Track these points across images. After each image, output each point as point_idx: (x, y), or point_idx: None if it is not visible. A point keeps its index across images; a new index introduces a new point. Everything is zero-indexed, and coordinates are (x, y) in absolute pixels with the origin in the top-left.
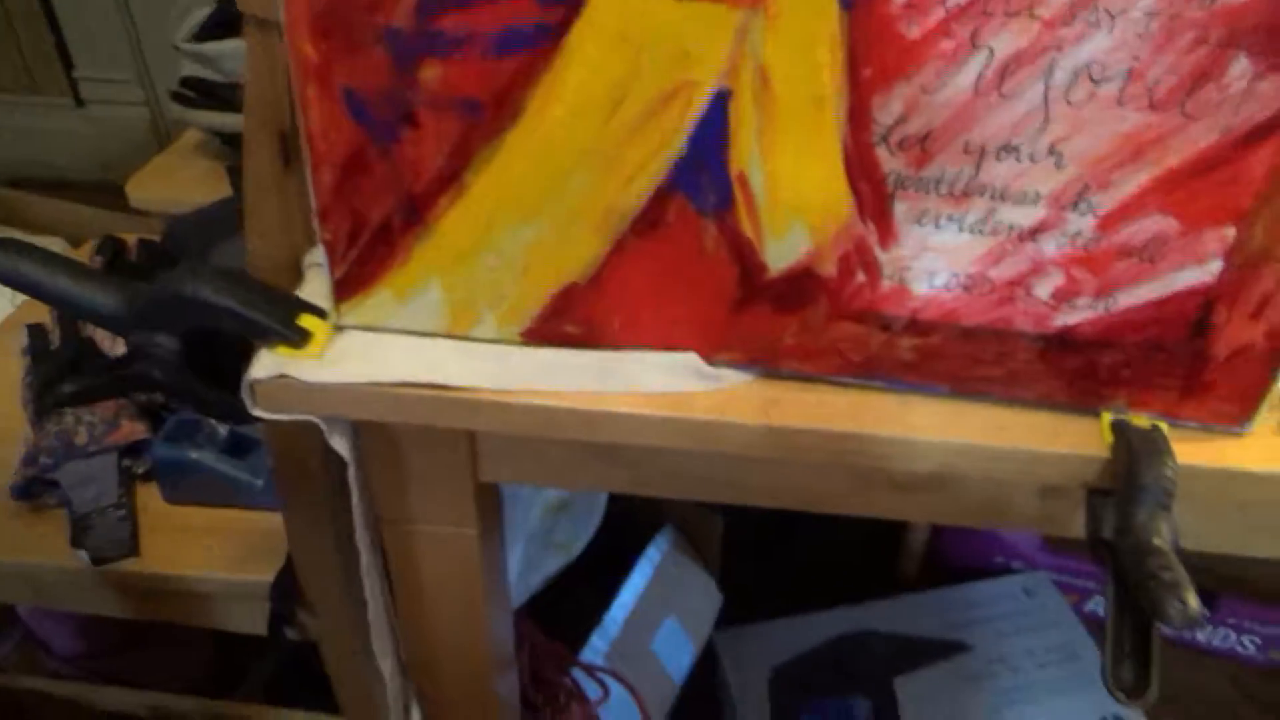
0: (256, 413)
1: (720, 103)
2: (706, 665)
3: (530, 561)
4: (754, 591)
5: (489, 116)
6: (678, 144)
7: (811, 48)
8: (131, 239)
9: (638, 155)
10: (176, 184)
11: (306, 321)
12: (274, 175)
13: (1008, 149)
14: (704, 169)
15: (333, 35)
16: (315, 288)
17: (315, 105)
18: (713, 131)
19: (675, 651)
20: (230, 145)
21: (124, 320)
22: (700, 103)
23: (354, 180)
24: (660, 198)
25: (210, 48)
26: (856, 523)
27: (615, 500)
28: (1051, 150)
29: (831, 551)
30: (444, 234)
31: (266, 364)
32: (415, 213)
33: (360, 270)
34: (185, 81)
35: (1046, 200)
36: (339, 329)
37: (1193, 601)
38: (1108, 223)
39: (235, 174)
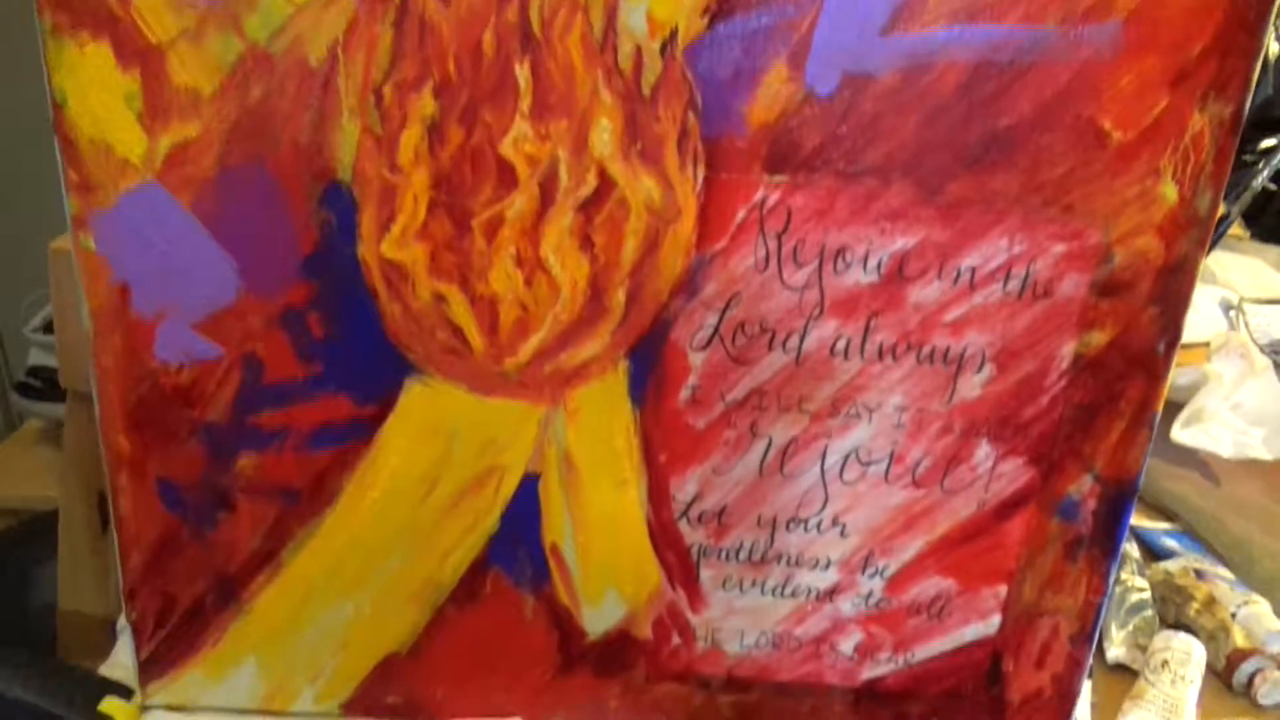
0: None
1: (530, 484)
2: None
3: None
4: None
5: (306, 501)
6: (492, 521)
7: (610, 438)
8: None
9: (453, 532)
10: (12, 478)
11: (109, 707)
12: (91, 539)
13: (796, 521)
14: (519, 543)
15: (147, 429)
16: (127, 655)
17: (127, 493)
18: (525, 510)
19: None
20: None
21: None
22: (511, 485)
23: (165, 563)
24: (477, 571)
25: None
26: None
27: None
28: (835, 521)
29: None
30: (260, 612)
31: None
32: (230, 593)
33: (169, 651)
34: (33, 371)
35: (838, 565)
36: (145, 709)
37: None
38: (895, 585)
39: None
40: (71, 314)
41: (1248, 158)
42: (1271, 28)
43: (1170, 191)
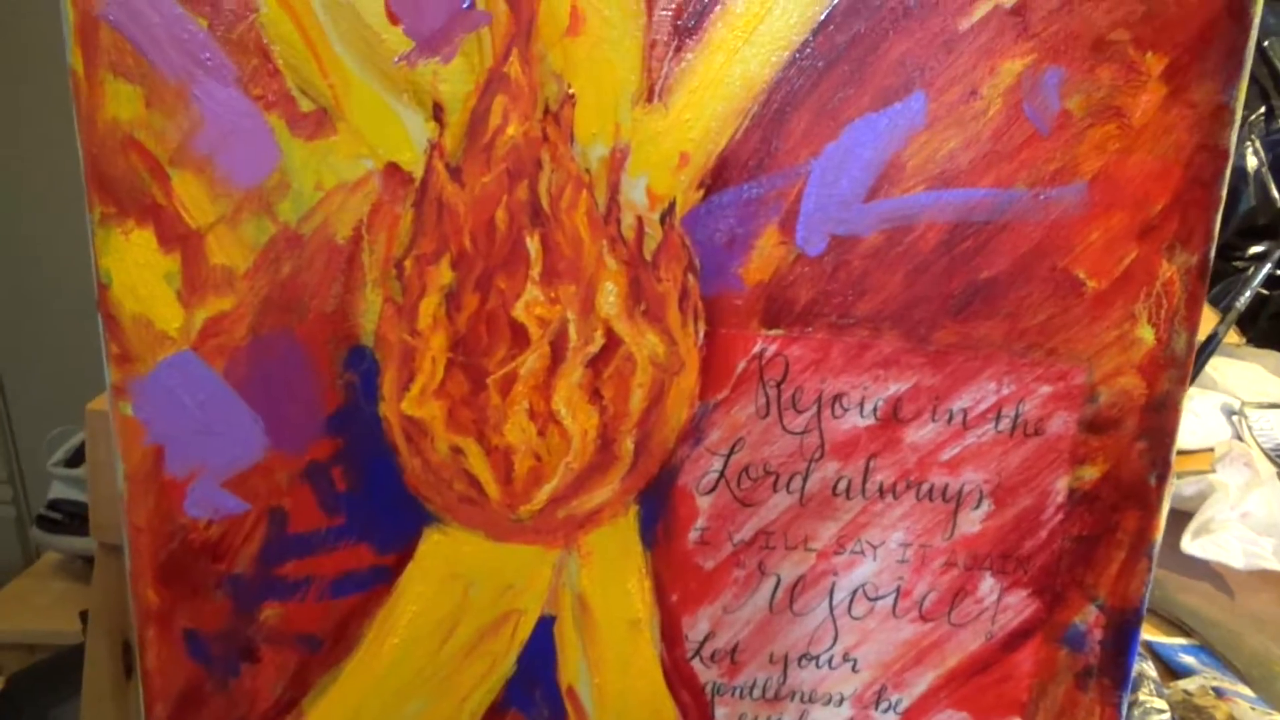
0: None
1: (546, 627)
2: None
3: None
4: None
5: (328, 649)
6: (509, 664)
7: (622, 579)
8: None
9: (471, 676)
10: (30, 612)
11: None
12: (114, 685)
13: (808, 657)
14: (535, 685)
15: (176, 583)
16: None
17: (154, 645)
18: (541, 652)
19: None
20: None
21: None
22: (527, 628)
23: (188, 714)
24: (495, 714)
25: (83, 471)
26: None
27: None
28: (846, 657)
29: None
30: None
31: None
32: None
33: None
34: (54, 504)
35: (851, 701)
36: None
37: None
38: (909, 719)
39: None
40: (104, 471)
41: (1238, 264)
42: (1250, 142)
43: (1147, 334)
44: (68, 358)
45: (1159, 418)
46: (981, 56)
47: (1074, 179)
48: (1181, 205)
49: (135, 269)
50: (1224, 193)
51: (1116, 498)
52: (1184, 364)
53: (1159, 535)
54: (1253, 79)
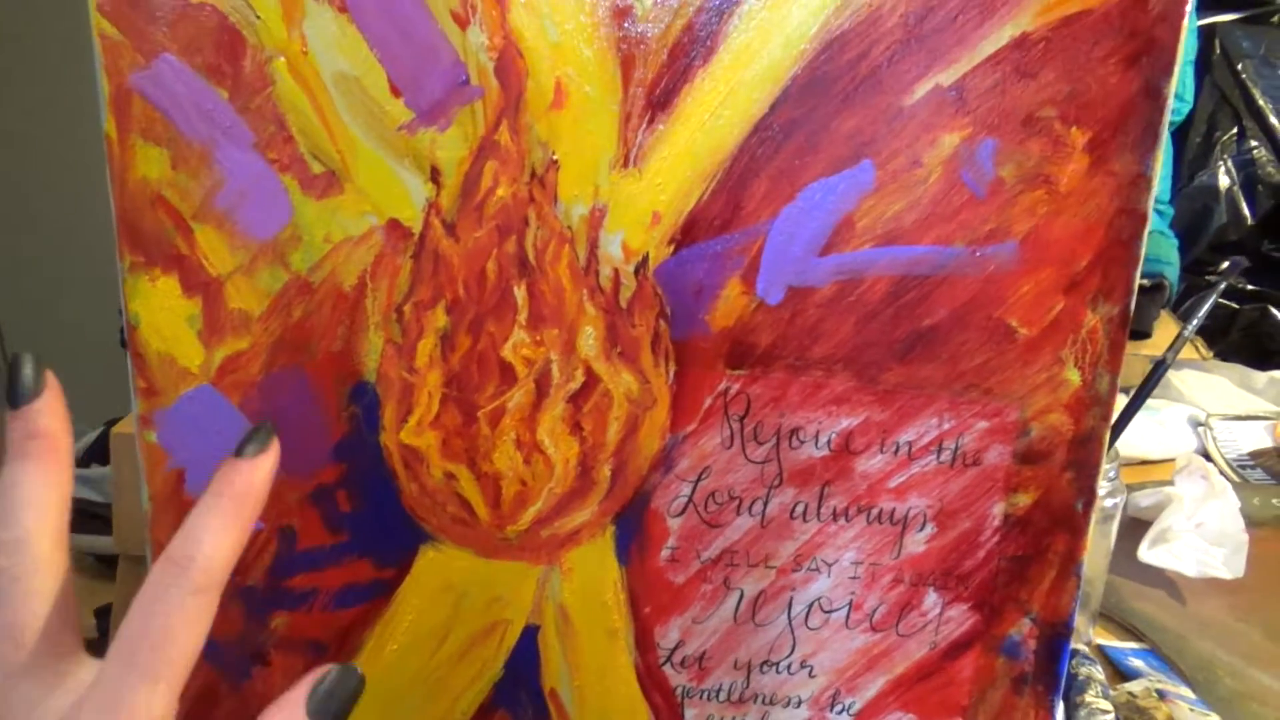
0: None
1: (531, 635)
2: None
3: None
4: None
5: (332, 654)
6: (497, 669)
7: (600, 592)
8: None
9: (463, 679)
10: None
11: None
12: None
13: (769, 664)
14: (521, 688)
15: None
16: None
17: None
18: (526, 657)
19: None
20: (106, 564)
21: None
22: (514, 636)
23: (203, 713)
24: (484, 713)
25: (94, 471)
26: None
27: None
28: (804, 664)
29: None
30: None
31: None
32: None
33: None
34: None
35: (808, 703)
36: None
37: None
38: None
39: (101, 616)
40: (127, 488)
41: (1210, 278)
42: (1222, 161)
43: (1074, 376)
44: (77, 360)
45: (1084, 451)
46: (923, 130)
47: (1007, 238)
48: (1104, 262)
49: (161, 312)
50: (1142, 251)
51: (1047, 522)
52: (1107, 403)
53: (1084, 555)
54: (1225, 101)
